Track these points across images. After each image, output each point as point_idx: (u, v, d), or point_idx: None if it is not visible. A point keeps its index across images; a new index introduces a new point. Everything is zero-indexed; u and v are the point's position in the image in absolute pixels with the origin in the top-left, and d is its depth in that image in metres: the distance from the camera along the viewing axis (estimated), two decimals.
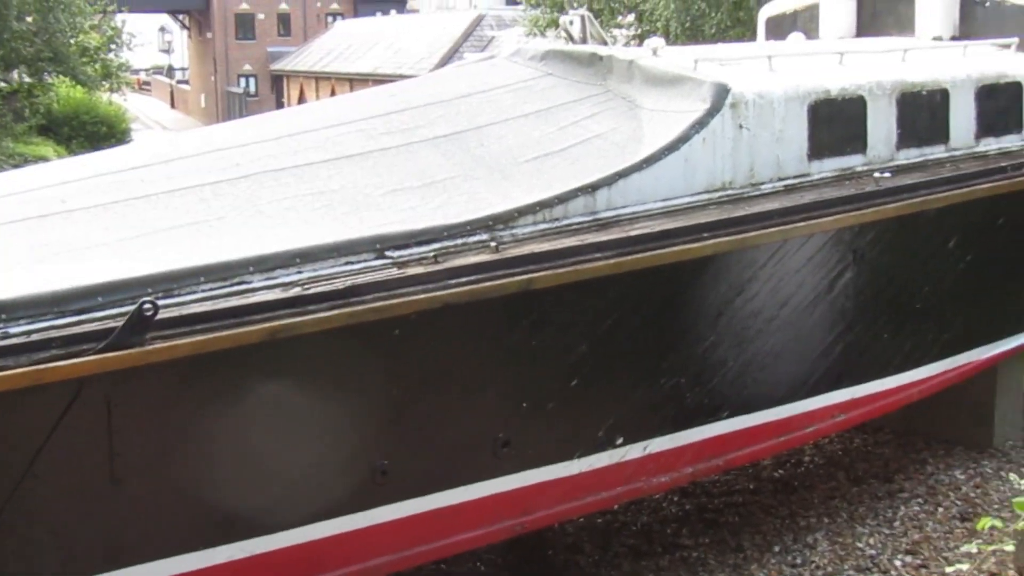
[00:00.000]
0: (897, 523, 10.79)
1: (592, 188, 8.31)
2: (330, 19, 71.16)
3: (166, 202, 7.59)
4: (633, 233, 8.12)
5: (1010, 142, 11.11)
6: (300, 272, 6.98)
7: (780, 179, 9.45)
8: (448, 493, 7.83)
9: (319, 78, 59.88)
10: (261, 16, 70.79)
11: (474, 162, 8.54)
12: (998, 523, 5.44)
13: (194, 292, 6.63)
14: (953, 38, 12.36)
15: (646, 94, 9.35)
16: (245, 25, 70.59)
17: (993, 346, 11.49)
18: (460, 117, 9.17)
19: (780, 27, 13.65)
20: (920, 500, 11.26)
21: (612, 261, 7.88)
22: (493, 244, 7.62)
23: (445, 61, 44.67)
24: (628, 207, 8.46)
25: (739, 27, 29.52)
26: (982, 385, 12.11)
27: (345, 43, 60.32)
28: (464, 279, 7.28)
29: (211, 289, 6.68)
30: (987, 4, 12.32)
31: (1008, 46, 11.86)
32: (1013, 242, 11.08)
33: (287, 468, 7.12)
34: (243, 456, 6.92)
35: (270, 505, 7.11)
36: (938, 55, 11.46)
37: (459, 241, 7.59)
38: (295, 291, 6.80)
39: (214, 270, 6.75)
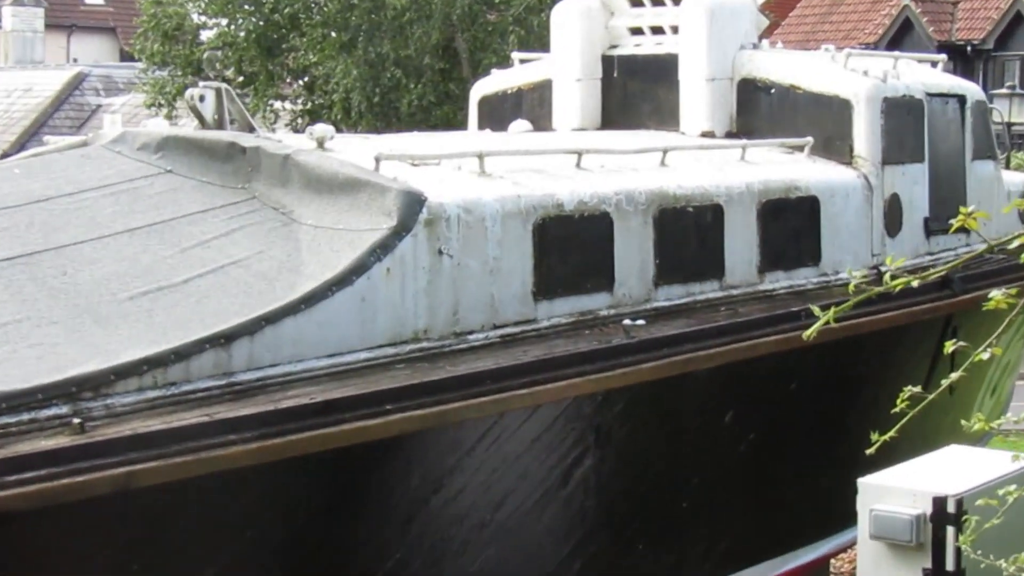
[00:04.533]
0: None
1: (226, 339, 8.26)
2: None
3: None
4: (284, 405, 8.10)
5: (804, 278, 11.63)
6: None
7: (495, 327, 9.63)
8: None
9: None
10: None
11: (52, 299, 8.36)
12: None
13: None
14: (729, 134, 12.90)
15: (307, 204, 9.40)
16: None
17: (787, 559, 11.89)
18: (34, 232, 8.99)
19: (499, 112, 13.91)
20: None
21: (253, 446, 7.81)
22: (77, 421, 7.43)
23: (25, 141, 43.90)
24: (279, 366, 8.46)
25: (448, 103, 30.06)
26: None
27: None
28: (32, 475, 7.07)
29: None
30: (773, 91, 12.82)
31: (801, 147, 12.47)
32: (811, 415, 11.53)
33: None
34: None
35: None
36: (709, 158, 11.94)
37: (26, 416, 7.39)
38: None
39: None
